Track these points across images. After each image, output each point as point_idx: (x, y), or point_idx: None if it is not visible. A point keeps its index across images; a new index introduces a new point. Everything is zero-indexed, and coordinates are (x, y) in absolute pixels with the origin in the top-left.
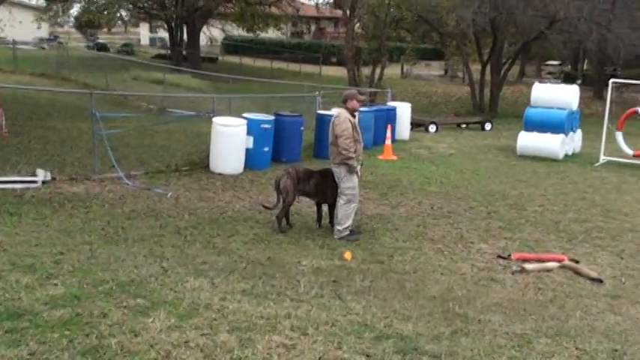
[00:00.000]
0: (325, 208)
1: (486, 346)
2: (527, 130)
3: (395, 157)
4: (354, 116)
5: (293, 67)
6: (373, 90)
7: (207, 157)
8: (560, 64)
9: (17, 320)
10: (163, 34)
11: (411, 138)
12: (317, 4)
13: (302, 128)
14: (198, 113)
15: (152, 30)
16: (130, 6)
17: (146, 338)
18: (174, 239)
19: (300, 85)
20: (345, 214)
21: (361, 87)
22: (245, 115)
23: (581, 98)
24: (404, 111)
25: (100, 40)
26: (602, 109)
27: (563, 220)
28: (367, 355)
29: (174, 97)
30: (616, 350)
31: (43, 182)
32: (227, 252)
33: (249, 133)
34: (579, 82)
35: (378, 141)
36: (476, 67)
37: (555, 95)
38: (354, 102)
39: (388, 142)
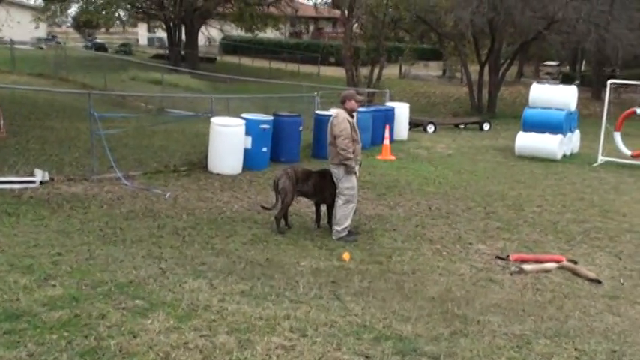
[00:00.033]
0: (324, 208)
1: (485, 347)
2: (525, 130)
3: (393, 158)
4: (352, 116)
5: (291, 67)
6: (371, 90)
7: (206, 157)
8: (558, 65)
9: (16, 321)
10: (162, 34)
11: (409, 138)
12: (315, 4)
13: (300, 128)
14: (197, 113)
15: (150, 30)
16: (129, 6)
17: (145, 339)
18: (172, 240)
19: (298, 86)
20: (344, 215)
21: (359, 87)
22: (243, 115)
23: (579, 99)
24: (402, 111)
25: (98, 40)
26: (600, 110)
27: (561, 221)
28: (366, 356)
29: (173, 97)
30: (615, 351)
31: (42, 183)
32: (225, 253)
33: (247, 133)
34: (577, 82)
35: (376, 141)
36: (474, 68)
37: (553, 96)
38: (353, 102)
39: (386, 142)
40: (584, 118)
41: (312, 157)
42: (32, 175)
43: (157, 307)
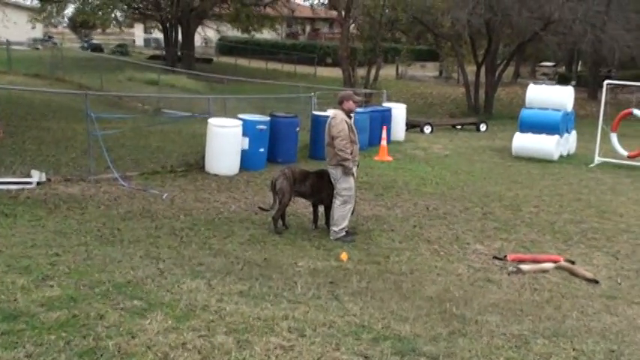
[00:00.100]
0: (321, 209)
1: (484, 347)
2: (522, 131)
3: (390, 158)
4: (350, 117)
5: (288, 67)
6: (368, 91)
7: (203, 158)
8: (554, 66)
9: (13, 322)
10: (158, 34)
11: (406, 139)
12: (312, 5)
13: (297, 129)
14: (194, 114)
15: (147, 31)
16: (125, 6)
17: (143, 340)
18: (170, 240)
19: (295, 86)
20: (341, 215)
21: (356, 88)
22: (240, 115)
23: (576, 99)
24: (399, 112)
25: (95, 41)
26: (596, 110)
27: (558, 221)
28: (365, 357)
29: (170, 97)
30: (613, 351)
31: (38, 183)
32: (223, 253)
33: (244, 133)
34: (574, 83)
35: (373, 142)
36: (471, 69)
37: (550, 96)
38: (350, 103)
39: (383, 143)
40: (580, 119)
41: (310, 158)
42: (29, 175)
43: (155, 307)
